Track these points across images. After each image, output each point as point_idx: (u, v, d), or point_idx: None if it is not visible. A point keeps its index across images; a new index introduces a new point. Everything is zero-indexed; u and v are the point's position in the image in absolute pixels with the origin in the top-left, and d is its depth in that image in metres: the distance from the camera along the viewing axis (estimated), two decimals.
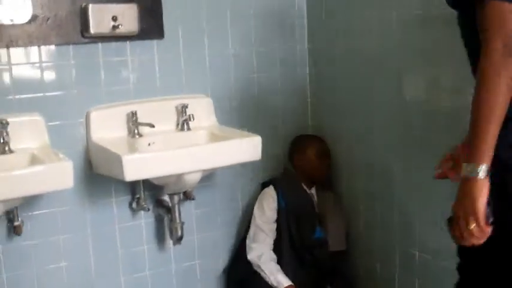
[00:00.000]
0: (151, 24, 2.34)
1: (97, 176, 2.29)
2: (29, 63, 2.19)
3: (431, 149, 2.03)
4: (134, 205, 2.41)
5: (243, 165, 2.53)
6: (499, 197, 1.37)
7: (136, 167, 2.02)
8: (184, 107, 2.37)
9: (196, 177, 2.18)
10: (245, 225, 2.62)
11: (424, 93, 2.18)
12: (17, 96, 2.16)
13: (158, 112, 2.37)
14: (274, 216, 2.53)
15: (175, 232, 2.37)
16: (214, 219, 2.63)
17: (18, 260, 2.25)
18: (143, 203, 2.38)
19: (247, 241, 2.53)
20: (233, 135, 2.30)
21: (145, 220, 2.47)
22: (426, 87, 2.17)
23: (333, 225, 2.62)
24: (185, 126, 2.38)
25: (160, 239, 2.51)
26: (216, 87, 2.54)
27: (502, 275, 1.48)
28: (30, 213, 2.24)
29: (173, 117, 2.41)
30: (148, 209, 2.42)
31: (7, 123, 2.08)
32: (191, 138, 2.35)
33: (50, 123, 2.21)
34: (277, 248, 2.52)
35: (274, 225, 2.53)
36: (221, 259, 2.67)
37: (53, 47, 2.20)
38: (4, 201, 1.89)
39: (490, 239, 1.37)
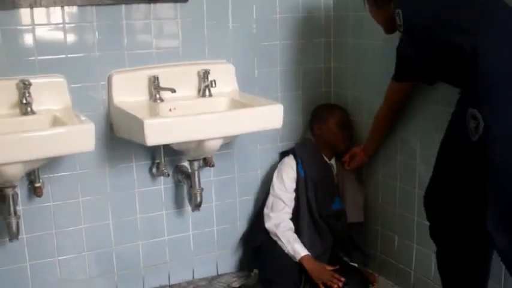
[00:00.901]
0: None
1: (118, 140, 2.29)
2: (51, 24, 2.17)
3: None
4: (154, 170, 2.41)
5: (262, 134, 2.51)
6: None
7: (157, 132, 2.01)
8: (206, 72, 2.34)
9: (217, 143, 2.17)
10: (263, 193, 2.62)
11: None
12: (40, 58, 2.15)
13: (180, 77, 2.35)
14: (293, 185, 2.52)
15: (194, 198, 2.37)
16: (232, 186, 2.63)
17: (38, 221, 2.27)
18: (163, 169, 2.38)
19: (265, 210, 2.53)
20: (254, 102, 2.27)
21: (165, 186, 2.48)
22: None
23: (352, 196, 2.61)
24: (207, 92, 2.36)
25: (179, 204, 2.52)
26: (238, 53, 2.51)
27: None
28: (51, 175, 2.25)
29: (195, 83, 2.39)
30: (168, 175, 2.41)
31: (30, 84, 2.07)
32: (212, 104, 2.33)
33: (72, 85, 2.21)
34: (295, 217, 2.52)
35: (293, 195, 2.52)
36: (239, 226, 2.68)
37: (76, 8, 2.18)
38: (25, 162, 1.89)
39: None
